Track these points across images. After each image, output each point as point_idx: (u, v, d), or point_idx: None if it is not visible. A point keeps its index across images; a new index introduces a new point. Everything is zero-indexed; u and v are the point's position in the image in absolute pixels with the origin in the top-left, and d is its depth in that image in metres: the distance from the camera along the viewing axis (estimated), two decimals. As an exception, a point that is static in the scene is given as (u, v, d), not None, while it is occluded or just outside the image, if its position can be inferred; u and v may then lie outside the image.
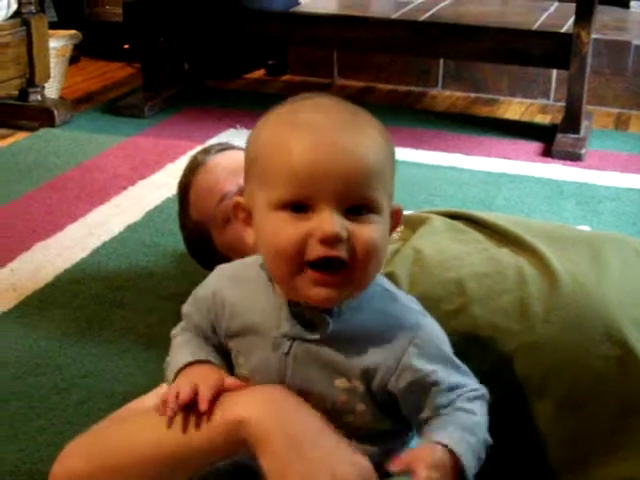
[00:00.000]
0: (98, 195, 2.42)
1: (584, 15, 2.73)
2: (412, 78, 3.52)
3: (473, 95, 3.45)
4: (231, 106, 3.20)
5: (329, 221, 0.93)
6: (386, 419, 1.04)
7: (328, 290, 0.96)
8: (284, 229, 0.95)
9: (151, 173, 2.57)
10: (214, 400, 1.01)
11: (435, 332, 1.03)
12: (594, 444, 1.17)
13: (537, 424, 1.18)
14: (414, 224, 1.39)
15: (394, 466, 0.94)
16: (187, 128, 2.97)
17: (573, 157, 2.74)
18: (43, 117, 2.96)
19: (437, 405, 0.99)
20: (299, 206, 0.95)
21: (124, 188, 2.46)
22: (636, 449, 1.16)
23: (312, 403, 1.02)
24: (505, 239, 1.33)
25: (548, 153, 2.78)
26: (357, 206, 0.95)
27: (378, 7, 3.79)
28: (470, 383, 1.02)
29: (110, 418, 1.15)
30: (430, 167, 2.66)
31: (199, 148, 1.81)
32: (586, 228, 1.79)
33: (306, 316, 1.01)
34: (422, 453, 0.95)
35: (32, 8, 2.95)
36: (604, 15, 3.43)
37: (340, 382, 1.01)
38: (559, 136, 2.83)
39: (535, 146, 2.87)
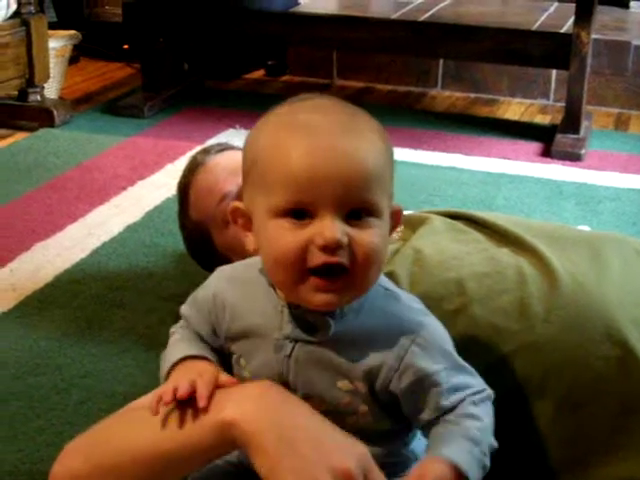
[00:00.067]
0: (98, 195, 2.42)
1: (584, 15, 2.73)
2: (412, 78, 3.52)
3: (473, 95, 3.45)
4: (230, 106, 3.20)
5: (330, 227, 0.93)
6: (388, 419, 1.04)
7: (330, 295, 0.96)
8: (284, 237, 0.95)
9: (151, 173, 2.57)
10: (210, 397, 1.01)
11: (438, 331, 1.03)
12: (594, 444, 1.17)
13: (537, 424, 1.18)
14: (414, 224, 1.39)
15: None
16: (187, 128, 2.97)
17: (573, 157, 2.74)
18: (42, 117, 2.96)
19: (439, 406, 0.99)
20: (299, 212, 0.94)
21: (124, 188, 2.46)
22: (636, 449, 1.16)
23: (314, 405, 1.01)
24: (505, 239, 1.33)
25: (548, 153, 2.78)
26: (357, 210, 0.95)
27: (378, 7, 3.79)
28: (474, 383, 1.02)
29: (110, 418, 1.14)
30: (430, 167, 2.66)
31: (199, 148, 1.81)
32: (586, 228, 1.79)
33: (308, 318, 1.01)
34: (428, 469, 0.95)
35: (32, 8, 2.95)
36: (604, 15, 3.43)
37: (342, 384, 1.01)
38: (559, 136, 2.83)
39: (535, 146, 2.87)
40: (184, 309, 1.12)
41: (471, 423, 0.98)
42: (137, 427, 1.07)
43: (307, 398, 1.02)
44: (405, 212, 1.09)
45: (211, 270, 1.13)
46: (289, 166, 0.94)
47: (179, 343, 1.09)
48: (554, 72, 3.33)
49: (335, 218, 0.94)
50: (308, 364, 1.02)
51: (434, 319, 1.05)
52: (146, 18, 3.19)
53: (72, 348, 1.70)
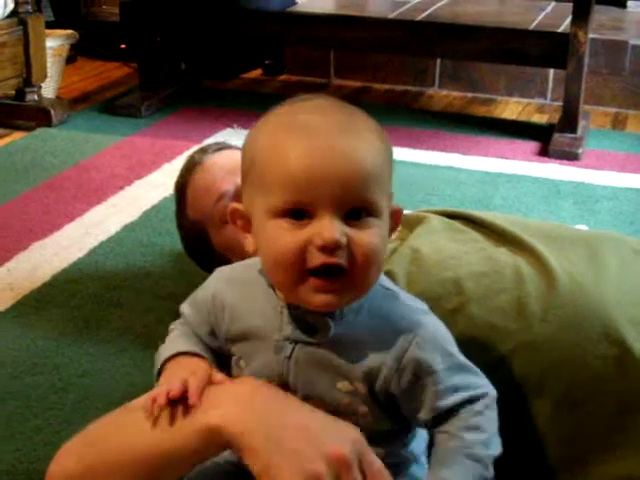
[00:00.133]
0: (95, 195, 2.41)
1: (581, 15, 2.74)
2: (409, 78, 3.52)
3: (470, 95, 3.45)
4: (228, 106, 3.20)
5: (328, 228, 0.93)
6: (387, 420, 1.03)
7: (329, 296, 0.96)
8: (283, 237, 0.95)
9: (148, 173, 2.57)
10: (202, 395, 1.01)
11: (438, 331, 1.03)
12: (592, 443, 1.17)
13: (535, 423, 1.18)
14: (412, 223, 1.39)
15: None
16: (184, 128, 2.96)
17: (570, 156, 2.74)
18: (40, 117, 2.96)
19: (437, 407, 0.99)
20: (298, 213, 0.94)
21: (121, 188, 2.46)
22: (634, 447, 1.16)
23: (314, 406, 1.01)
24: (503, 238, 1.33)
25: (545, 153, 2.78)
26: (356, 210, 0.95)
27: (375, 7, 3.79)
28: (477, 383, 1.02)
29: (104, 417, 1.14)
30: (427, 167, 2.66)
31: (196, 148, 1.81)
32: (583, 227, 1.79)
33: (307, 319, 1.01)
34: None
35: (29, 7, 2.94)
36: (601, 15, 3.44)
37: (342, 385, 1.01)
38: (556, 136, 2.83)
39: (532, 146, 2.87)
40: (184, 308, 1.12)
41: (474, 437, 0.98)
42: (129, 428, 1.07)
43: (307, 399, 1.02)
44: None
45: (209, 269, 1.13)
46: (287, 167, 0.94)
47: (176, 339, 1.09)
48: (551, 71, 3.33)
49: (334, 218, 0.94)
50: (308, 365, 1.02)
51: (435, 318, 1.04)
52: (143, 17, 3.18)
53: (70, 347, 1.69)
